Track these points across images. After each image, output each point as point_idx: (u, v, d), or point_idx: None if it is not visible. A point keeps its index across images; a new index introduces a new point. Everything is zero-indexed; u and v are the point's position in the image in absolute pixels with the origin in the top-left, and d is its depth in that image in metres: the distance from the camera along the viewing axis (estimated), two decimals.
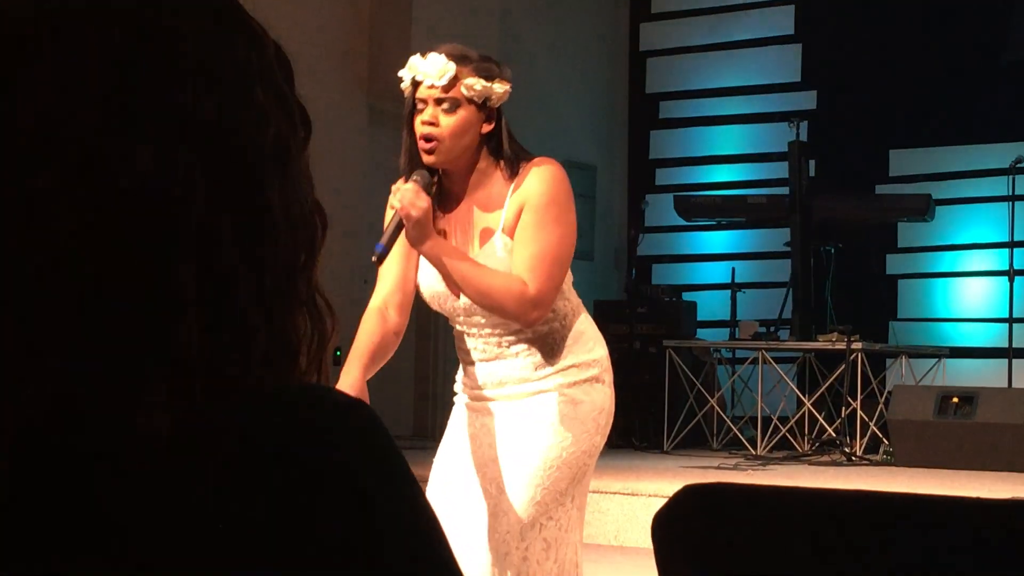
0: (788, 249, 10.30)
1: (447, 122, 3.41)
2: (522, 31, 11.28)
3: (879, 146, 11.18)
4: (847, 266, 10.37)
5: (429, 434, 10.28)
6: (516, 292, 3.35)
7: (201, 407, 0.92)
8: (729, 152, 11.95)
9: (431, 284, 3.53)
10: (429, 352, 10.67)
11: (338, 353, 12.08)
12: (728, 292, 10.62)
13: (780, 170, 10.81)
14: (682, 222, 11.21)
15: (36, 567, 0.90)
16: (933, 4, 10.91)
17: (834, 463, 8.99)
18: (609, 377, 3.55)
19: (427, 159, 3.41)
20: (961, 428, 8.72)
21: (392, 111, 10.66)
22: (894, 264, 11.24)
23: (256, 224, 0.96)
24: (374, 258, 3.36)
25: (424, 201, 3.34)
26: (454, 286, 3.47)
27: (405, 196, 3.35)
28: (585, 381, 3.49)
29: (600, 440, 3.51)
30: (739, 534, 1.20)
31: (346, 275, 9.72)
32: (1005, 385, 9.47)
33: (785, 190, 10.47)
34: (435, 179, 3.44)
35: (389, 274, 3.56)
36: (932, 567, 1.26)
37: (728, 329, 10.46)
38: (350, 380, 3.44)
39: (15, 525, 0.90)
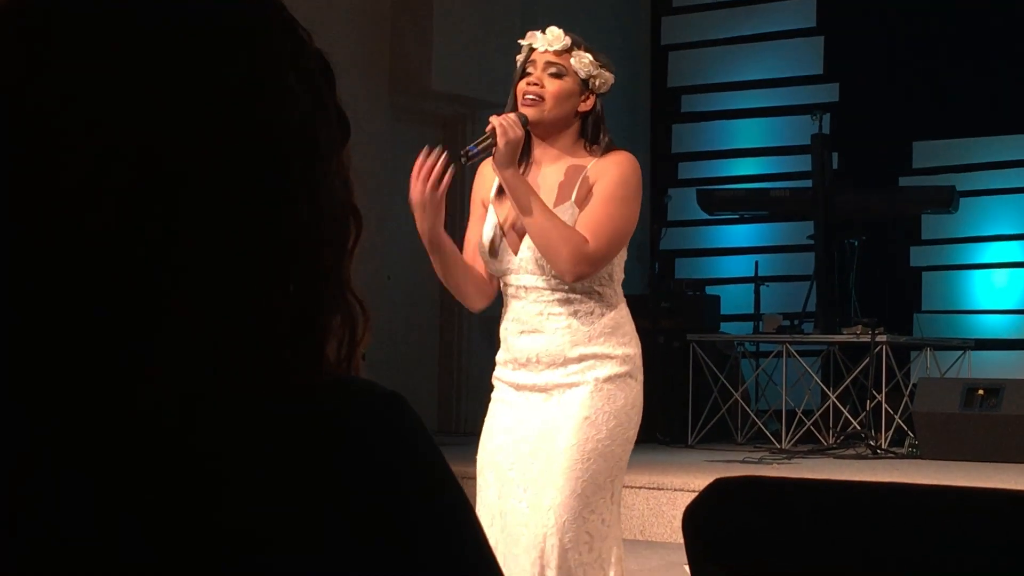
0: (811, 242, 10.27)
1: (551, 84, 3.65)
2: (543, 27, 11.25)
3: (902, 138, 11.15)
4: (871, 258, 10.34)
5: (454, 429, 10.29)
6: (577, 241, 3.54)
7: (219, 389, 0.92)
8: (751, 145, 11.93)
9: (491, 239, 3.69)
10: (454, 349, 10.68)
11: (364, 358, 12.10)
12: (752, 286, 10.60)
13: (803, 163, 10.78)
14: (705, 216, 11.19)
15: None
16: None
17: (859, 456, 8.97)
18: (640, 375, 3.68)
19: (527, 110, 3.63)
20: (987, 420, 8.69)
21: (414, 107, 10.69)
22: (918, 256, 11.21)
23: (273, 202, 0.96)
24: (463, 159, 3.58)
25: (521, 131, 3.58)
26: (514, 241, 3.66)
27: (507, 119, 3.58)
28: (620, 376, 3.60)
29: (633, 435, 3.64)
30: (769, 527, 1.21)
31: (371, 270, 9.74)
32: None
33: (808, 183, 10.45)
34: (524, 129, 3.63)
35: (468, 252, 3.77)
36: (960, 559, 1.26)
37: (752, 323, 10.45)
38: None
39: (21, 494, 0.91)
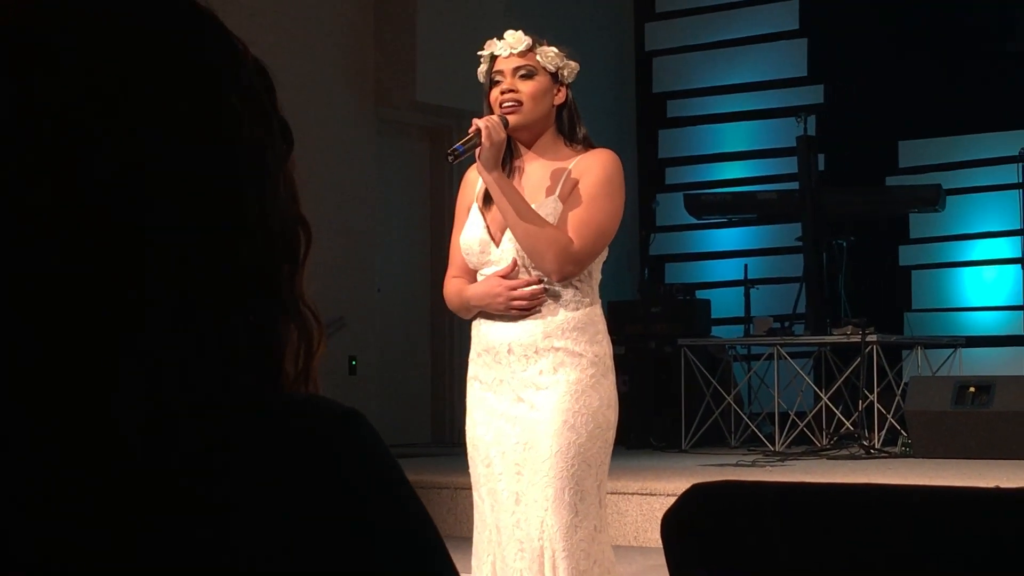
0: (800, 244, 10.29)
1: (525, 87, 3.71)
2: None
3: (888, 138, 11.17)
4: (860, 259, 10.35)
5: (448, 440, 10.28)
6: (562, 243, 3.61)
7: (185, 410, 0.93)
8: (738, 149, 11.95)
9: (475, 233, 3.74)
10: (445, 359, 10.68)
11: (353, 363, 11.96)
12: (741, 289, 10.61)
13: (789, 165, 10.80)
14: (693, 220, 11.20)
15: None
16: None
17: (853, 457, 8.97)
18: (612, 375, 3.70)
19: (512, 119, 3.68)
20: (979, 417, 8.70)
21: (399, 120, 10.70)
22: (907, 255, 11.23)
23: (229, 227, 0.96)
24: (450, 158, 3.65)
25: (504, 133, 3.65)
26: (496, 233, 3.71)
27: (491, 120, 3.65)
28: (592, 377, 3.63)
29: (611, 436, 3.65)
30: (747, 531, 1.22)
31: (358, 283, 9.73)
32: (1022, 373, 9.45)
33: (795, 185, 10.47)
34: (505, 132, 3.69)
35: (459, 257, 3.82)
36: (939, 558, 1.27)
37: (742, 326, 10.46)
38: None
39: None
